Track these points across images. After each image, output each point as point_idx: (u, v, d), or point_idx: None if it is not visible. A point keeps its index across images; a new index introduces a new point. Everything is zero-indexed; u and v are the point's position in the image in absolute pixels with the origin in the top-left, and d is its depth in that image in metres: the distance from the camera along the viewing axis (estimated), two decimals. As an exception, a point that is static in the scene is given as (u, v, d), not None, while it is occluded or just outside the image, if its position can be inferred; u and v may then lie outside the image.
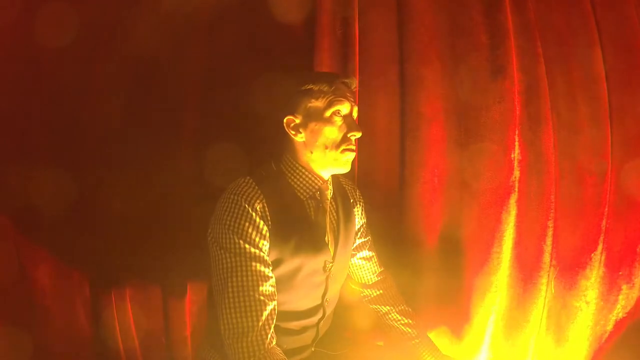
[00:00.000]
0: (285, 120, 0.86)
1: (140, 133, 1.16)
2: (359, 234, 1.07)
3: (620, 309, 1.18)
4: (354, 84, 0.91)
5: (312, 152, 0.86)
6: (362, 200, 1.08)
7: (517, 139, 1.16)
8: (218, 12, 1.16)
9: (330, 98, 0.84)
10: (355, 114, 0.90)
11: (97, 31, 1.14)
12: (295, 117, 0.86)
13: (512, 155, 1.16)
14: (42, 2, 1.11)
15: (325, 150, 0.86)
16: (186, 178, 1.17)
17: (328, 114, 0.84)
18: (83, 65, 1.15)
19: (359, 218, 1.06)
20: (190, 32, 1.15)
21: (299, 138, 0.86)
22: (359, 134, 0.87)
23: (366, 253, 1.08)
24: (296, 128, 0.86)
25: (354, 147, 0.88)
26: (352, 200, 1.03)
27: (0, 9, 1.11)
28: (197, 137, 1.16)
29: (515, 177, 1.17)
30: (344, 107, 0.85)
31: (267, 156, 0.93)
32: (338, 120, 0.85)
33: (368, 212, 1.10)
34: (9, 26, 1.11)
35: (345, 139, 0.86)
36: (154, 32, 1.13)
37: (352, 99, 0.88)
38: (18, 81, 1.13)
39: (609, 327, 1.19)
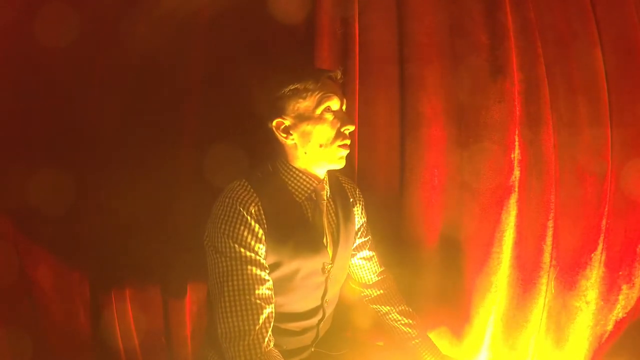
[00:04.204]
0: (274, 123, 0.84)
1: (140, 133, 1.16)
2: (359, 233, 1.06)
3: (620, 309, 1.17)
4: (339, 75, 0.87)
5: (306, 153, 0.85)
6: (362, 200, 1.08)
7: (517, 139, 1.16)
8: (218, 12, 1.16)
9: (319, 95, 0.82)
10: (344, 108, 0.88)
11: (97, 31, 1.14)
12: (284, 119, 0.83)
13: (512, 155, 1.16)
14: (42, 2, 1.11)
15: (320, 149, 0.84)
16: (186, 178, 1.17)
17: (319, 111, 0.82)
18: (83, 65, 1.14)
19: (358, 217, 1.05)
20: (190, 32, 1.15)
21: (290, 141, 0.85)
22: (352, 127, 0.86)
23: (366, 253, 1.08)
24: (286, 130, 0.84)
25: (348, 142, 0.86)
26: (351, 200, 1.03)
27: (0, 9, 1.11)
28: (197, 137, 1.16)
29: (515, 177, 1.17)
30: (334, 103, 0.84)
31: (265, 157, 0.93)
32: (329, 116, 0.84)
33: (368, 212, 1.09)
34: (9, 26, 1.11)
35: (339, 134, 0.84)
36: (154, 32, 1.13)
37: (340, 93, 0.86)
38: (18, 81, 1.13)
39: (609, 327, 1.19)
